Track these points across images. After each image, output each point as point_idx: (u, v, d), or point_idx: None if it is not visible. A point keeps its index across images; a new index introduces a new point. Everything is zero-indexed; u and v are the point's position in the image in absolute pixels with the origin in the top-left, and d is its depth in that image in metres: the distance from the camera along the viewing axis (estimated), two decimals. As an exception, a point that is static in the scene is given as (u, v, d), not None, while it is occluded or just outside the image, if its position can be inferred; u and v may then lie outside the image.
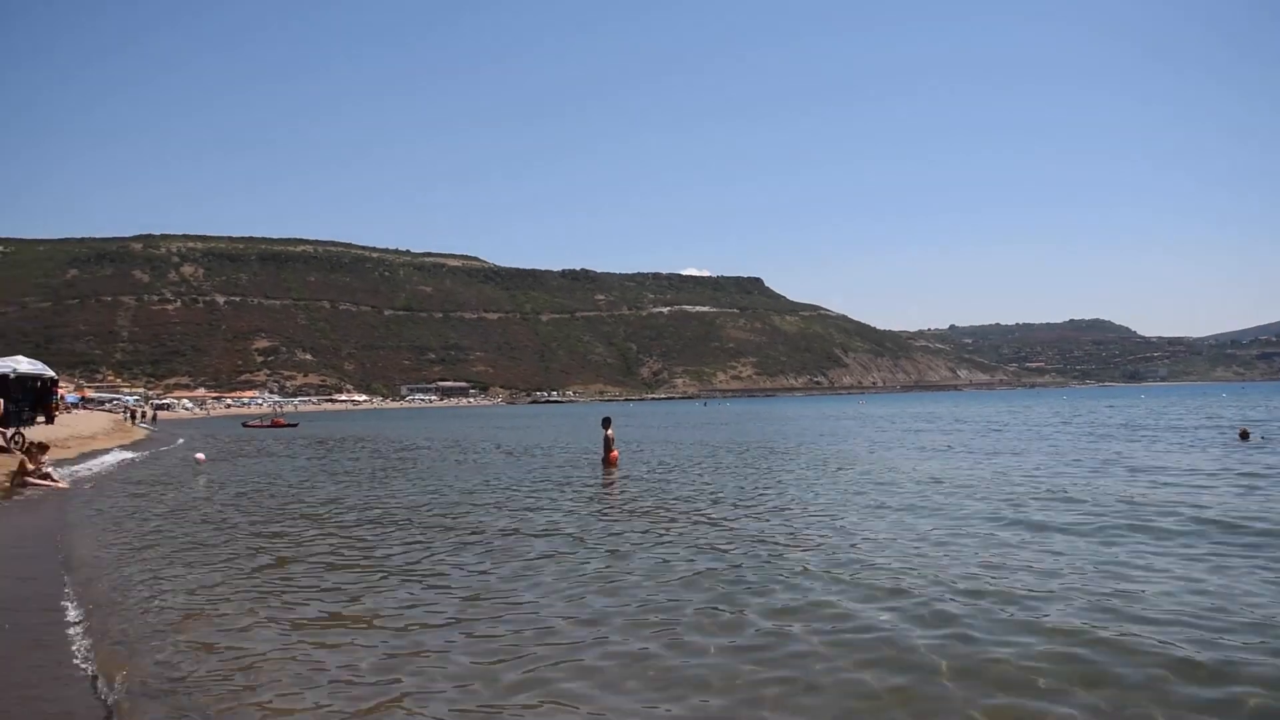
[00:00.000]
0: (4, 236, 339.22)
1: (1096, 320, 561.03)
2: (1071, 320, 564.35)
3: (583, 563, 10.94)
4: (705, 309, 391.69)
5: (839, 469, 23.67)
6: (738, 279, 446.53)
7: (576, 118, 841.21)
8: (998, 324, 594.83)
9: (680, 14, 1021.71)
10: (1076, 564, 10.32)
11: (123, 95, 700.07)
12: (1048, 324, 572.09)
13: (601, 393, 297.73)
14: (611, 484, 21.27)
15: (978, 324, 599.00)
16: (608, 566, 10.70)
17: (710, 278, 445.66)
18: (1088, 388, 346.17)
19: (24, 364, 33.09)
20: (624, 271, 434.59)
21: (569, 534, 13.23)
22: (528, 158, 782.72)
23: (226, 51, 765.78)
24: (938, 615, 8.10)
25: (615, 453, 25.88)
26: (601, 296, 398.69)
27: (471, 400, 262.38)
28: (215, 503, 18.82)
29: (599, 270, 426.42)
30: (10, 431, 29.98)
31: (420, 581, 9.99)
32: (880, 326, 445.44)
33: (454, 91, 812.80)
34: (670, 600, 8.87)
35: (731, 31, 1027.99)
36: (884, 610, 8.29)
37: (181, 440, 54.18)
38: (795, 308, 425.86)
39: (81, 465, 29.95)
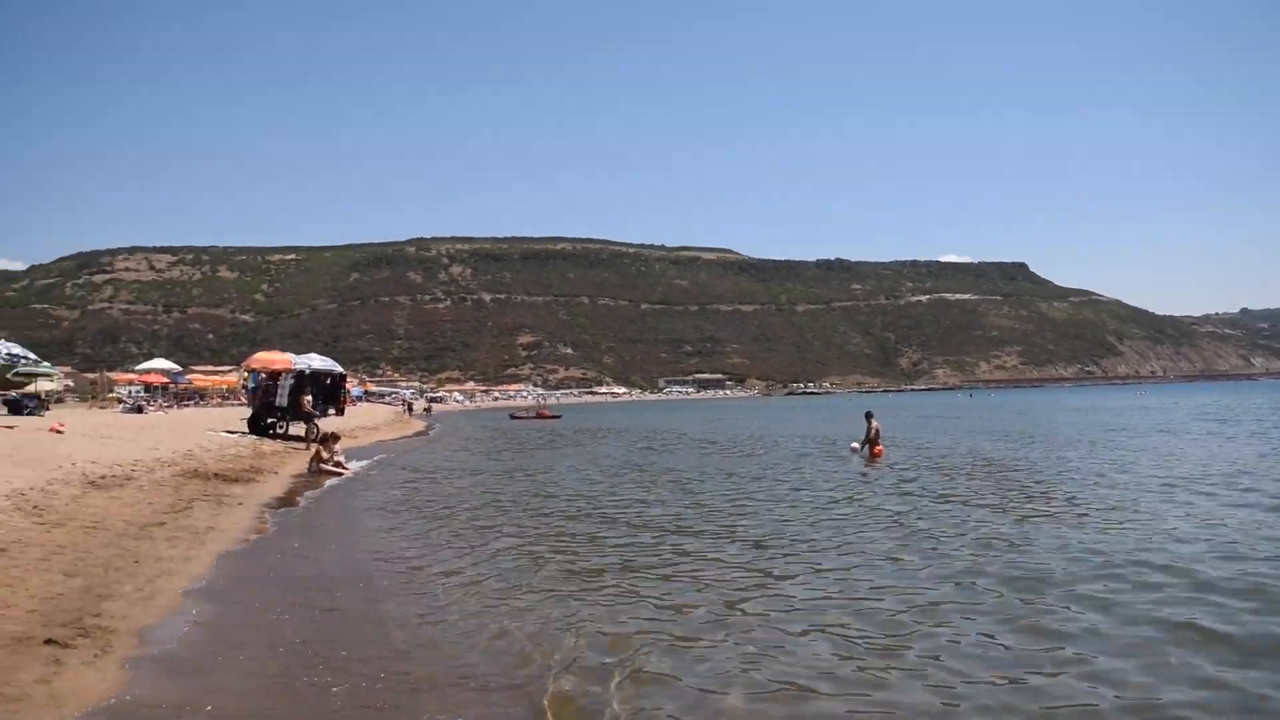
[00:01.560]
0: (297, 245, 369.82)
1: None
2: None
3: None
4: (966, 296, 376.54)
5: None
6: (1000, 264, 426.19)
7: (825, 106, 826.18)
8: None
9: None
10: None
11: (400, 114, 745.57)
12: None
13: (859, 384, 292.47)
14: (874, 477, 20.94)
15: (1276, 306, 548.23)
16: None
17: (971, 264, 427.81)
18: None
19: (317, 361, 35.62)
20: (880, 260, 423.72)
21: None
22: (780, 149, 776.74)
23: (492, 65, 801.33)
24: None
25: (880, 447, 25.25)
26: (858, 286, 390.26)
27: (728, 392, 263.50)
28: (492, 488, 19.73)
29: (854, 259, 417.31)
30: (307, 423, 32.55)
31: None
32: (1159, 312, 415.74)
33: (702, 88, 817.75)
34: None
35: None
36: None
37: (443, 428, 57.30)
38: (1063, 293, 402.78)
39: (367, 453, 32.01)
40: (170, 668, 6.38)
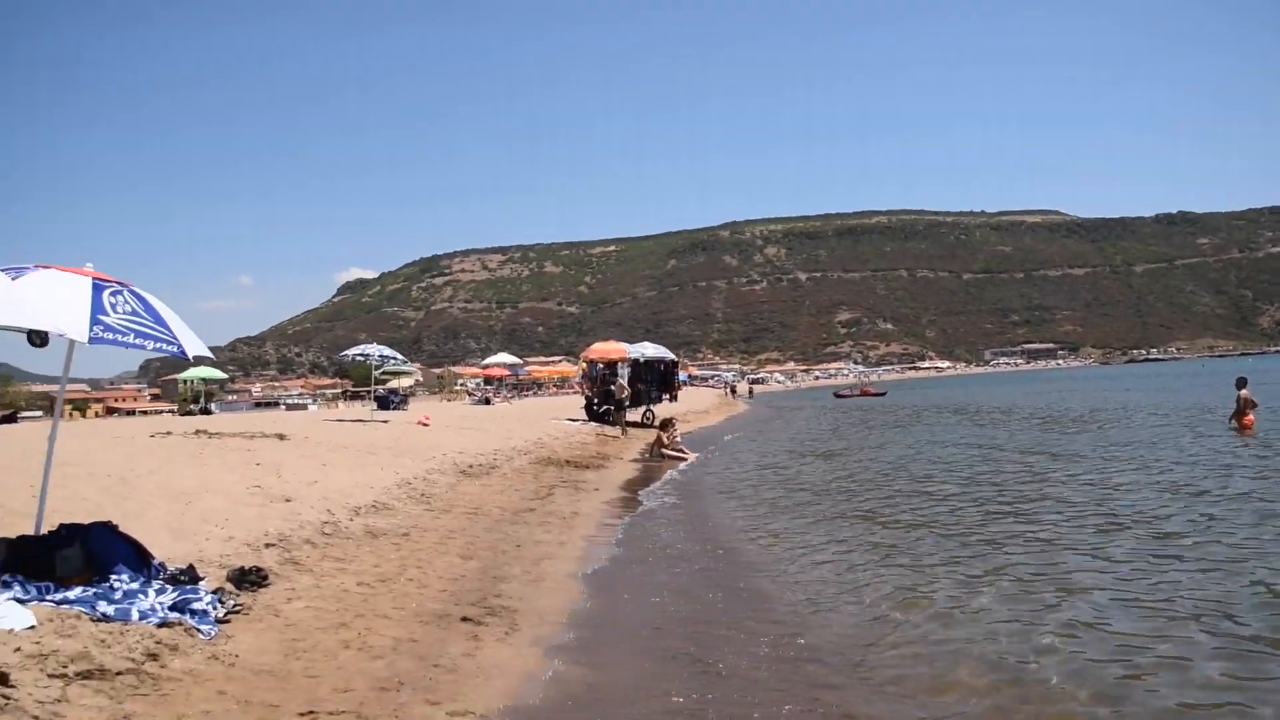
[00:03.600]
0: (616, 237, 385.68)
1: None
2: None
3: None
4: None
5: None
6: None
7: (1153, 40, 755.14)
8: None
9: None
10: None
11: (710, 106, 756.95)
12: None
13: (1210, 348, 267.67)
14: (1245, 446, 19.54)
15: None
16: None
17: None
18: None
19: (650, 349, 37.03)
20: (1230, 209, 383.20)
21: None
22: (1106, 95, 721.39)
23: (798, 57, 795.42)
24: None
25: (1250, 417, 23.04)
26: (1204, 240, 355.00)
27: (1060, 362, 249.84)
28: (841, 467, 19.62)
29: (1199, 210, 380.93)
30: (643, 409, 34.04)
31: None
32: None
33: (1017, 37, 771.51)
34: None
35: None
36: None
37: (769, 409, 57.74)
38: None
39: (702, 435, 32.79)
40: (577, 648, 6.81)
